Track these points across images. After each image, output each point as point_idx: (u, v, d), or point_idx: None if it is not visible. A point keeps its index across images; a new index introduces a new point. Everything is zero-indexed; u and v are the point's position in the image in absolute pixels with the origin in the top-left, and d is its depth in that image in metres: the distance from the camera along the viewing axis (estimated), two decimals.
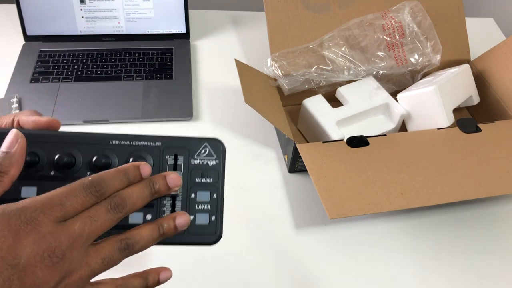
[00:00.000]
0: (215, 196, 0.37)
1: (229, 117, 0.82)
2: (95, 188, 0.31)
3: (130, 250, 0.32)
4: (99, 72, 0.85)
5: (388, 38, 0.77)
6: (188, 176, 0.37)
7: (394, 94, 0.75)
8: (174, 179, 0.35)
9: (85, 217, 0.30)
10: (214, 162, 0.38)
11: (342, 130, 0.70)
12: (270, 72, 0.75)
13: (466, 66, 0.79)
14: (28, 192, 0.34)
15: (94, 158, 0.35)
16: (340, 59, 0.76)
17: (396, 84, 0.80)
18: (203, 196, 0.37)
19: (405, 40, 0.78)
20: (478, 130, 0.68)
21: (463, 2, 0.83)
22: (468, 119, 0.69)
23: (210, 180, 0.37)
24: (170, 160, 0.37)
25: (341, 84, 0.76)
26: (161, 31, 0.93)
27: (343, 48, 0.76)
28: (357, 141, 0.64)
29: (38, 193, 0.31)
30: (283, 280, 0.62)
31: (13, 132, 0.32)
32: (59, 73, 0.84)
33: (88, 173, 0.35)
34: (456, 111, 0.75)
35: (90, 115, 0.78)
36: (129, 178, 0.33)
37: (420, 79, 0.80)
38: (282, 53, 0.75)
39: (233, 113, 0.82)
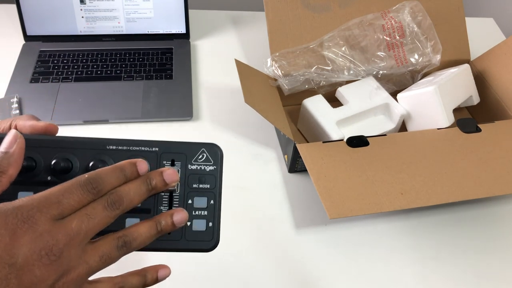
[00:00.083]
0: (212, 202, 0.37)
1: (229, 117, 0.81)
2: (91, 185, 0.31)
3: (128, 247, 0.32)
4: (99, 72, 0.85)
5: (388, 38, 0.77)
6: (185, 181, 0.37)
7: (394, 94, 0.75)
8: (170, 174, 0.35)
9: (82, 214, 0.30)
10: (211, 168, 0.37)
11: (342, 130, 0.70)
12: (270, 72, 0.75)
13: (466, 66, 0.78)
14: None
15: (91, 163, 0.35)
16: (340, 59, 0.76)
17: (396, 84, 0.80)
18: (200, 202, 0.37)
19: (405, 40, 0.78)
20: (478, 130, 0.68)
21: (463, 2, 0.83)
22: (468, 119, 0.69)
23: (207, 186, 0.37)
24: (167, 166, 0.37)
25: (341, 84, 0.76)
26: (161, 31, 0.93)
27: (343, 48, 0.76)
28: (357, 141, 0.64)
29: None
30: (283, 280, 0.61)
31: (12, 133, 0.32)
32: (59, 73, 0.84)
33: None
34: (456, 111, 0.75)
35: (90, 115, 0.78)
36: (126, 175, 0.33)
37: (420, 79, 0.80)
38: (282, 53, 0.75)
39: (233, 113, 0.82)
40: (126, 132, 0.77)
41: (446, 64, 0.83)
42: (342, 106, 0.73)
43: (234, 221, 0.66)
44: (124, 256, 0.33)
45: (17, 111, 0.76)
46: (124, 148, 0.36)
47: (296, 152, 0.67)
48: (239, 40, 0.97)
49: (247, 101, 0.63)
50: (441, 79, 0.73)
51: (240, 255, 0.63)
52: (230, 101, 0.84)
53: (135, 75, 0.85)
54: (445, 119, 0.70)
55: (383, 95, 0.74)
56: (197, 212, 0.37)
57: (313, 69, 0.75)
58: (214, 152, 0.38)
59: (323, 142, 0.64)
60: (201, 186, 0.37)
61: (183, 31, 0.93)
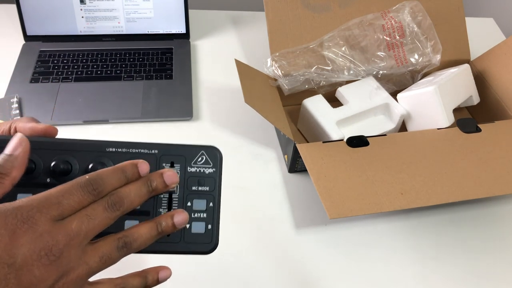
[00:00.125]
0: (211, 204, 0.37)
1: (229, 117, 0.81)
2: (92, 186, 0.31)
3: (128, 248, 0.32)
4: (99, 72, 0.85)
5: (388, 38, 0.77)
6: (185, 184, 0.37)
7: (394, 94, 0.75)
8: (171, 176, 0.35)
9: (83, 215, 0.30)
10: (210, 170, 0.37)
11: (342, 130, 0.70)
12: (270, 72, 0.75)
13: (466, 66, 0.78)
14: None
15: (90, 166, 0.35)
16: (340, 59, 0.76)
17: (396, 84, 0.80)
18: (200, 204, 0.37)
19: (405, 40, 0.78)
20: (478, 130, 0.68)
21: (463, 2, 0.83)
22: (468, 119, 0.69)
23: (206, 188, 0.37)
24: (166, 168, 0.37)
25: (341, 84, 0.76)
26: (161, 31, 0.93)
27: (343, 48, 0.76)
28: (357, 141, 0.64)
29: None
30: (283, 280, 0.61)
31: (17, 136, 0.33)
32: (59, 73, 0.84)
33: None
34: (456, 111, 0.75)
35: (90, 115, 0.78)
36: (127, 176, 0.33)
37: (420, 79, 0.80)
38: (282, 53, 0.75)
39: (233, 113, 0.82)
40: (126, 132, 0.77)
41: (446, 64, 0.82)
42: (342, 106, 0.73)
43: (234, 221, 0.66)
44: (125, 258, 0.33)
45: (17, 111, 0.76)
46: (124, 150, 0.36)
47: (296, 152, 0.67)
48: (239, 40, 0.97)
49: (247, 101, 0.63)
50: (441, 79, 0.73)
51: (240, 255, 0.63)
52: (230, 101, 0.84)
53: (135, 75, 0.85)
54: (445, 119, 0.70)
55: (383, 95, 0.74)
56: (196, 215, 0.37)
57: (313, 69, 0.75)
58: (214, 155, 0.38)
59: (323, 142, 0.64)
60: (200, 188, 0.37)
61: (183, 31, 0.93)
